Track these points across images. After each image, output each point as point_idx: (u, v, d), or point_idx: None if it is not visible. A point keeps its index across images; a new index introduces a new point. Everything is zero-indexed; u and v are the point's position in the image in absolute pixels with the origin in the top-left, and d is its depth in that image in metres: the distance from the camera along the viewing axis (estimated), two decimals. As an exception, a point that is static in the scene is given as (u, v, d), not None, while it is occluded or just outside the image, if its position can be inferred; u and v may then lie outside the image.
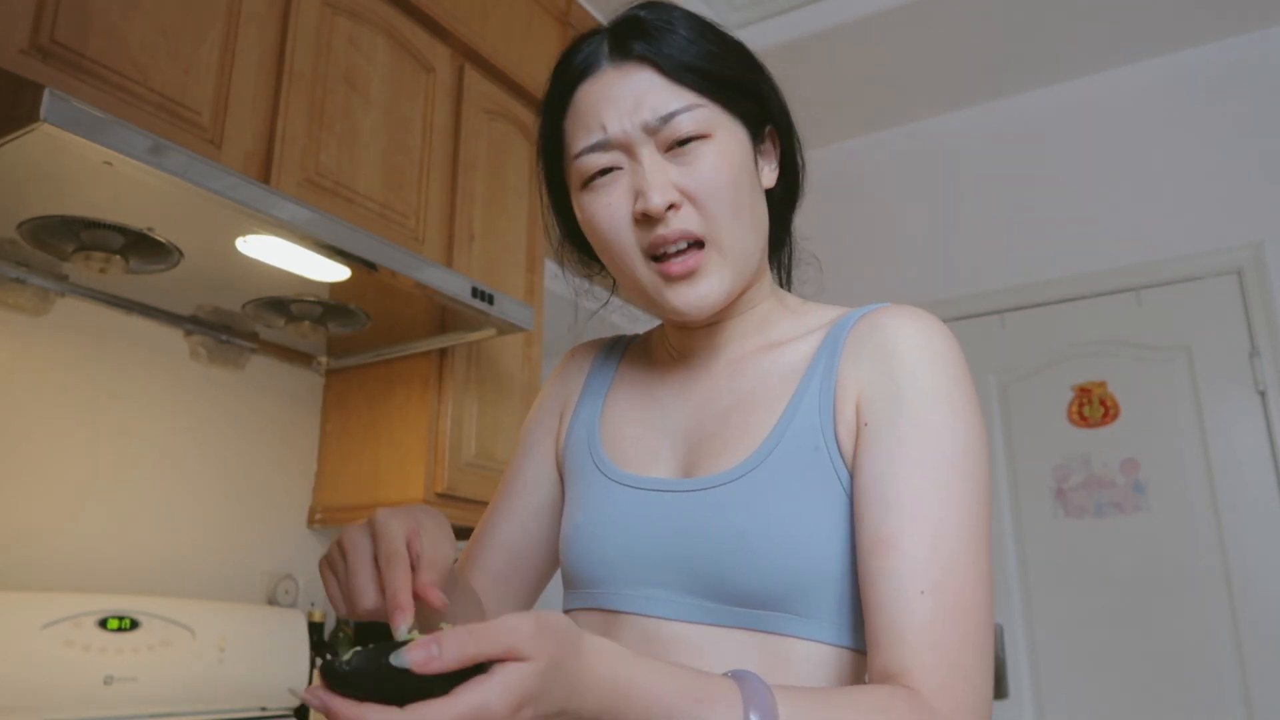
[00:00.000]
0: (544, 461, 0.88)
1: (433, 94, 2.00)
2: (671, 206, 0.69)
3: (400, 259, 1.56)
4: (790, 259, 0.87)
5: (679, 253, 0.70)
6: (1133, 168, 2.75)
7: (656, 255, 0.71)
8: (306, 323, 1.79)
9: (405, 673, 0.44)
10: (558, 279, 2.61)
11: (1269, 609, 2.34)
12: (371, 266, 1.52)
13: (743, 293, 0.77)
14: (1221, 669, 2.36)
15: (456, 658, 0.44)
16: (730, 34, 0.77)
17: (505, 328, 1.82)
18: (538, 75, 2.27)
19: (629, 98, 0.70)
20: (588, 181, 0.73)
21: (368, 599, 0.61)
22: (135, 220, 1.38)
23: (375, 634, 2.03)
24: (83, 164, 1.20)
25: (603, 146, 0.71)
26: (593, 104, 0.72)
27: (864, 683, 0.67)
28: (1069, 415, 2.70)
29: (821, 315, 0.78)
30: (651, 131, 0.70)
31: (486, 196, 2.11)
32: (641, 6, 0.75)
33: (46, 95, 1.10)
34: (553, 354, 2.76)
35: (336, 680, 0.46)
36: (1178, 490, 2.51)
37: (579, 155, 0.72)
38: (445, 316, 1.80)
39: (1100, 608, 2.53)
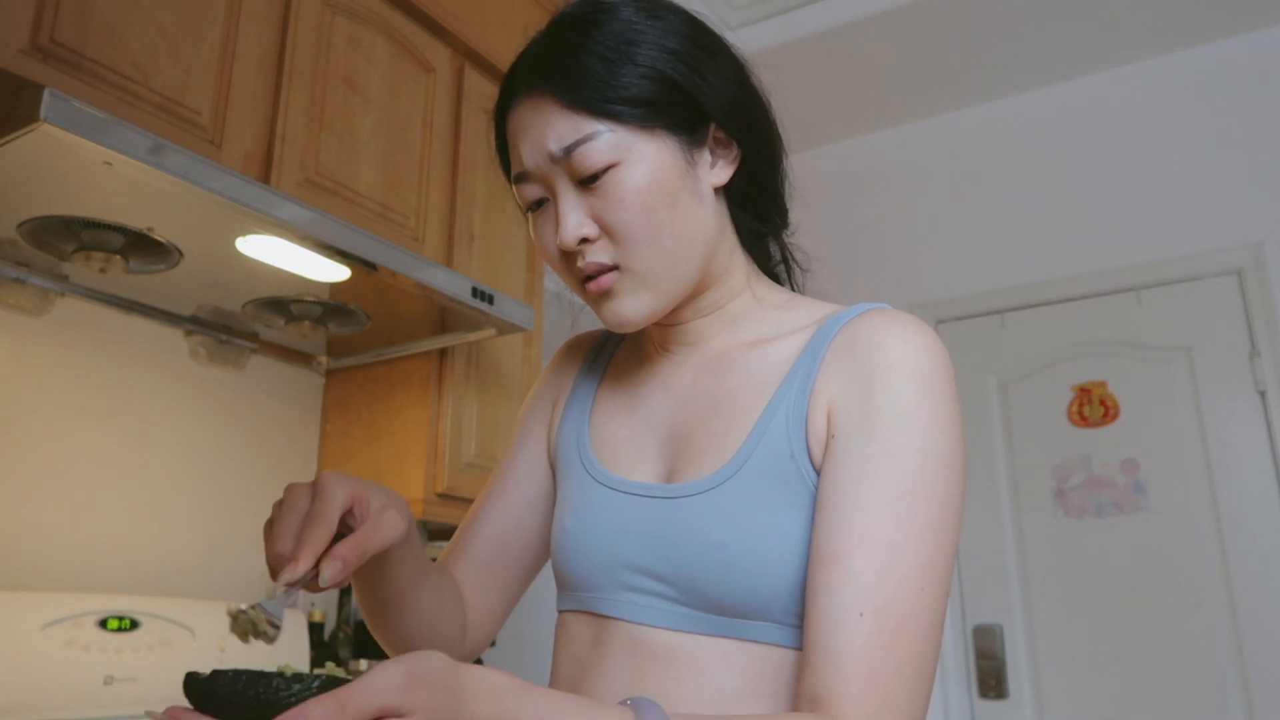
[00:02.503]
0: (536, 453, 0.88)
1: (433, 94, 2.00)
2: (585, 240, 0.70)
3: (400, 259, 1.56)
4: (782, 243, 0.84)
5: (597, 274, 0.71)
6: (1133, 168, 2.75)
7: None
8: (306, 323, 1.79)
9: (265, 705, 0.45)
10: (557, 279, 2.61)
11: (1269, 609, 2.34)
12: (371, 266, 1.52)
13: (695, 296, 0.76)
14: (1221, 669, 2.36)
15: None
16: (673, 19, 0.72)
17: (505, 328, 1.82)
18: (538, 75, 2.26)
19: (536, 130, 0.70)
20: (528, 209, 0.75)
21: (283, 545, 0.61)
22: (135, 220, 1.38)
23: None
24: (83, 164, 1.20)
25: (525, 178, 0.72)
26: (512, 135, 0.73)
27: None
28: (1069, 415, 2.70)
29: (809, 313, 0.77)
30: (560, 162, 0.69)
31: (486, 196, 2.11)
32: (565, 14, 0.73)
33: (46, 95, 1.10)
34: (553, 354, 2.75)
35: (198, 696, 0.46)
36: (1178, 490, 2.51)
37: (512, 183, 0.74)
38: (445, 316, 1.80)
39: (1100, 608, 2.53)
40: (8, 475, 1.53)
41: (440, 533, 2.33)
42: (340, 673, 0.50)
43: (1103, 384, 2.67)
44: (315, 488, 0.64)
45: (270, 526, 0.64)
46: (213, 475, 1.84)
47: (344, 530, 0.65)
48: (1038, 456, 2.71)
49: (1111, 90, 2.83)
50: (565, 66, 0.69)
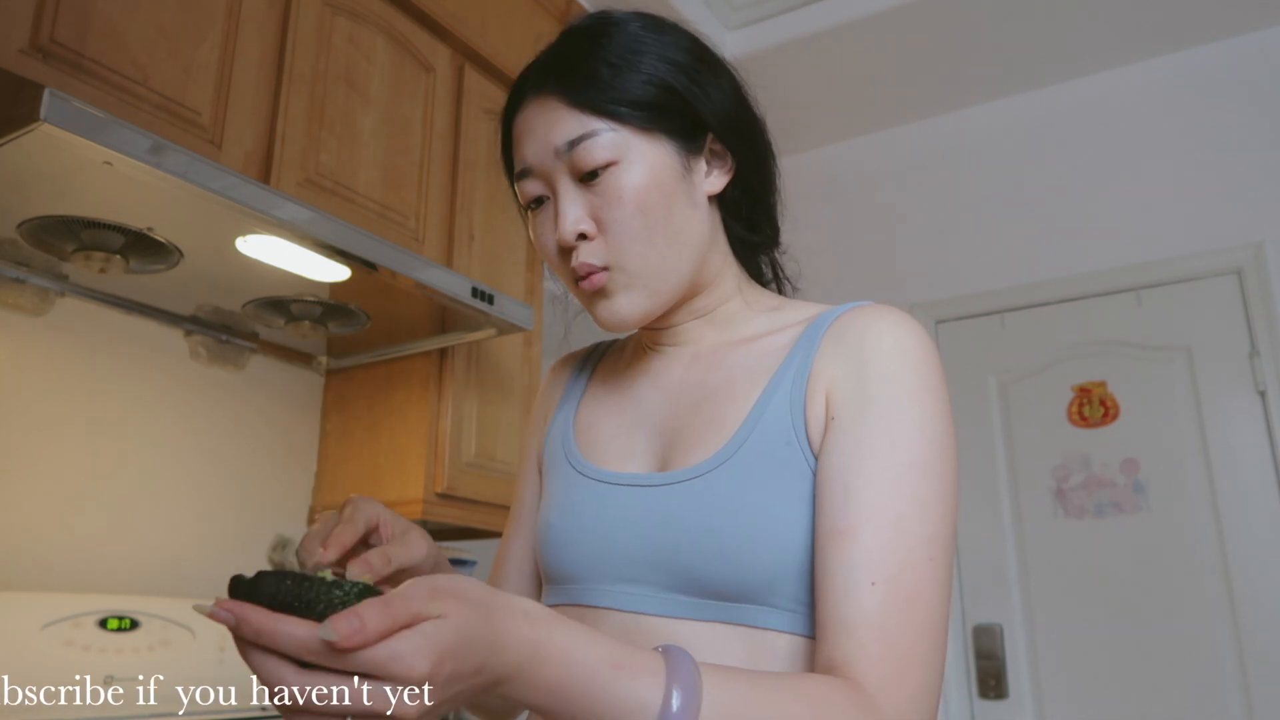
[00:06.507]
0: (536, 480, 0.90)
1: (433, 94, 1.99)
2: (583, 236, 0.73)
3: (400, 259, 1.56)
4: (773, 260, 0.87)
5: (589, 274, 0.74)
6: (1133, 168, 2.75)
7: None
8: (306, 323, 1.79)
9: (307, 605, 0.47)
10: (558, 281, 2.60)
11: (1269, 609, 2.34)
12: (371, 266, 1.52)
13: (687, 300, 0.79)
14: (1221, 669, 2.36)
15: (377, 631, 0.45)
16: (677, 36, 0.76)
17: (505, 328, 1.82)
18: (538, 75, 2.27)
19: (541, 127, 0.73)
20: (527, 207, 0.78)
21: (311, 548, 0.67)
22: (135, 220, 1.38)
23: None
24: (83, 164, 1.20)
25: (527, 174, 0.75)
26: (518, 134, 0.76)
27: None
28: (1069, 415, 2.70)
29: (799, 312, 0.79)
30: (562, 158, 0.72)
31: (486, 196, 2.11)
32: (576, 25, 0.77)
33: (46, 95, 1.10)
34: (552, 354, 2.76)
35: (246, 593, 0.48)
36: (1178, 490, 2.51)
37: (514, 181, 0.77)
38: (445, 316, 1.80)
39: (1100, 608, 2.53)
40: (7, 475, 1.53)
41: (440, 533, 2.33)
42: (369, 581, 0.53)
43: (1103, 384, 2.67)
44: (344, 506, 0.71)
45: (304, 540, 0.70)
46: (213, 475, 1.84)
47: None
48: (1038, 456, 2.71)
49: (1111, 90, 2.83)
50: (574, 70, 0.72)
